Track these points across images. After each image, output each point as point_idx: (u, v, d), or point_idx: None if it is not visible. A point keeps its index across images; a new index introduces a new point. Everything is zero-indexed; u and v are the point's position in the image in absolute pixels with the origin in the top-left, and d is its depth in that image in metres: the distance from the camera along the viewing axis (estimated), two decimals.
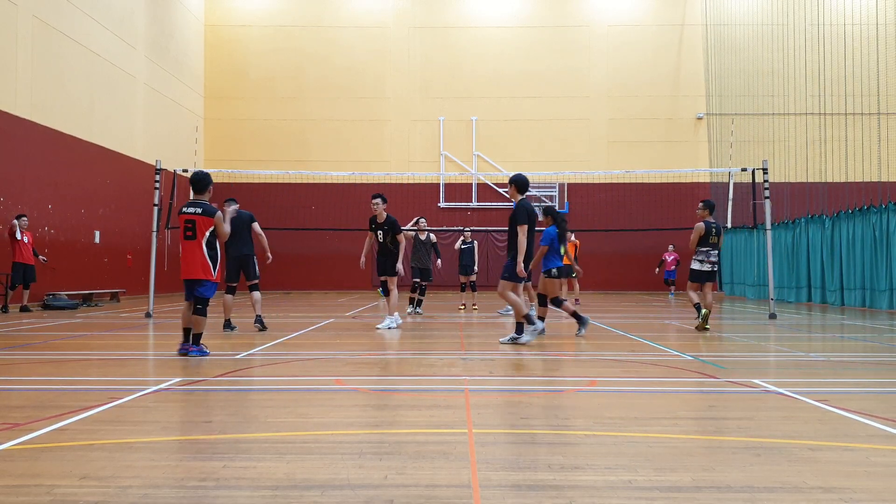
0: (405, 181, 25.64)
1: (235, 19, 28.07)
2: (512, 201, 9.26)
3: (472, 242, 16.09)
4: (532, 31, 28.06)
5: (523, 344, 8.83)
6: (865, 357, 8.27)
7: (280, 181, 25.55)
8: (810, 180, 21.56)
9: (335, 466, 3.51)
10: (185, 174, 16.90)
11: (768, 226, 14.69)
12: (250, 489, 3.18)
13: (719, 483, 3.27)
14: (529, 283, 10.42)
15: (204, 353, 7.59)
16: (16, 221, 15.30)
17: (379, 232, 11.13)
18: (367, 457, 3.70)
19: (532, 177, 27.70)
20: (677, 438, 4.13)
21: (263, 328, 10.58)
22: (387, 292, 11.51)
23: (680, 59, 27.90)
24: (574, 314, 10.02)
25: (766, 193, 14.58)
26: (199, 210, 7.58)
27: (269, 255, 10.98)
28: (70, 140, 18.43)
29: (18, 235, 15.16)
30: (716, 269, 11.20)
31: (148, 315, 13.55)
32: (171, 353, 7.66)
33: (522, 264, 8.66)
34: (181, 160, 23.41)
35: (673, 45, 27.93)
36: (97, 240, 19.58)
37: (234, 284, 10.76)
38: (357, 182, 26.36)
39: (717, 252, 11.11)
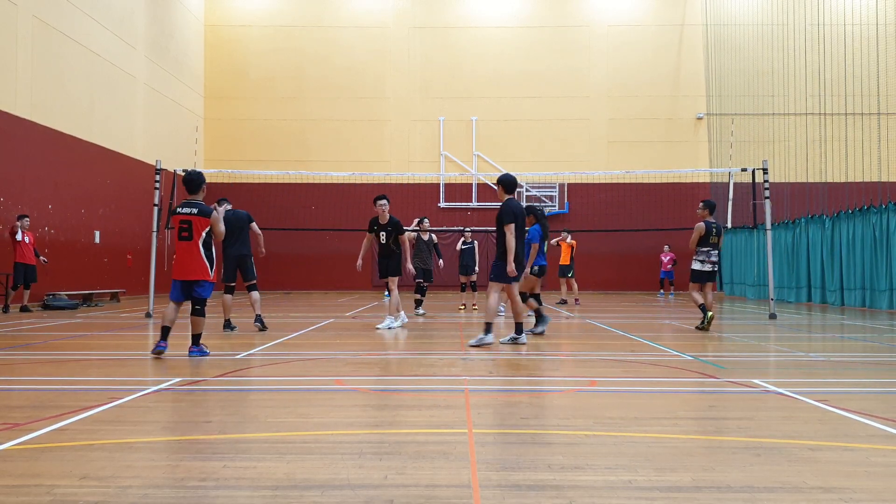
0: (405, 181, 25.63)
1: (235, 19, 28.07)
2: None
3: (472, 242, 16.10)
4: (532, 31, 28.06)
5: (523, 344, 8.82)
6: (865, 357, 8.27)
7: (280, 181, 25.54)
8: (810, 180, 21.55)
9: (335, 466, 3.51)
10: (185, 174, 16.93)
11: (768, 226, 14.69)
12: (250, 489, 3.18)
13: (719, 483, 3.27)
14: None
15: (204, 354, 7.59)
16: (18, 222, 15.30)
17: (382, 233, 11.10)
18: (367, 457, 3.70)
19: (532, 177, 27.90)
20: (677, 438, 4.13)
21: (264, 328, 10.58)
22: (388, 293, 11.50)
23: (680, 59, 27.90)
24: (536, 311, 10.34)
25: (766, 193, 14.57)
26: (194, 210, 7.54)
27: (262, 249, 10.92)
28: (70, 140, 18.43)
29: (19, 236, 15.17)
30: (716, 269, 11.20)
31: (148, 315, 13.55)
32: (171, 353, 7.65)
33: (513, 264, 8.62)
34: (181, 160, 23.41)
35: (673, 45, 27.93)
36: (97, 240, 19.58)
37: (233, 284, 10.76)
38: (357, 182, 26.36)
39: (717, 252, 11.11)
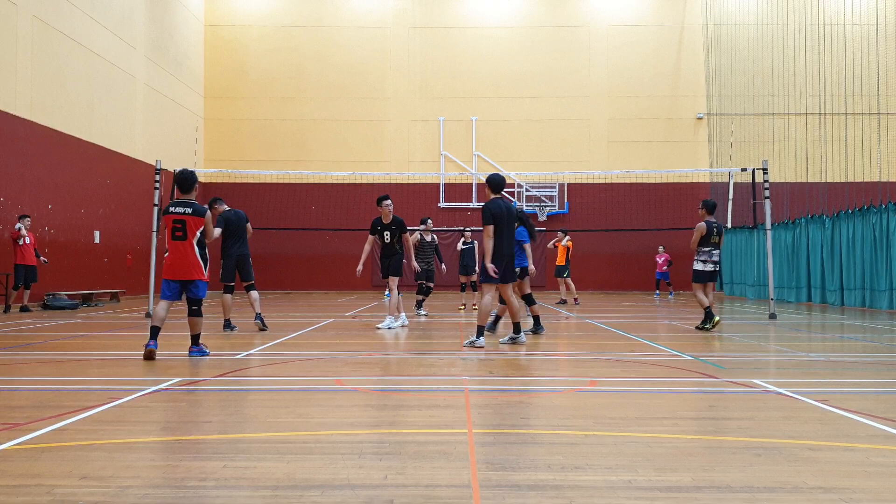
0: (405, 181, 25.64)
1: (235, 19, 28.07)
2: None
3: (472, 243, 16.10)
4: (532, 31, 28.06)
5: (522, 343, 8.81)
6: (865, 357, 8.27)
7: (280, 181, 25.56)
8: (810, 180, 21.55)
9: (335, 466, 3.51)
10: None
11: (768, 226, 14.69)
12: (250, 489, 3.18)
13: (719, 483, 3.27)
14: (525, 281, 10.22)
15: (204, 353, 7.58)
16: (21, 224, 15.28)
17: (386, 233, 11.09)
18: (367, 457, 3.70)
19: (532, 177, 27.91)
20: (677, 438, 4.13)
21: (264, 326, 10.58)
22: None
23: (680, 59, 27.90)
24: (497, 318, 10.24)
25: (766, 193, 14.57)
26: (188, 210, 7.48)
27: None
28: (70, 140, 18.43)
29: (27, 239, 15.18)
30: (718, 268, 11.19)
31: (148, 315, 13.55)
32: (171, 353, 7.66)
33: (491, 263, 8.59)
34: (181, 160, 23.40)
35: (673, 45, 27.93)
36: (97, 240, 19.58)
37: (233, 284, 10.75)
38: (357, 182, 26.37)
39: (718, 252, 11.10)
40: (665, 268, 23.76)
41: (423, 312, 14.14)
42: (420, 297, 14.53)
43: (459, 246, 16.29)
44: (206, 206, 7.99)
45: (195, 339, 7.59)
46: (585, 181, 26.16)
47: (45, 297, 16.63)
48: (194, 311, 7.57)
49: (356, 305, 17.89)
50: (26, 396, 5.55)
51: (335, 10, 28.12)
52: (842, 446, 3.94)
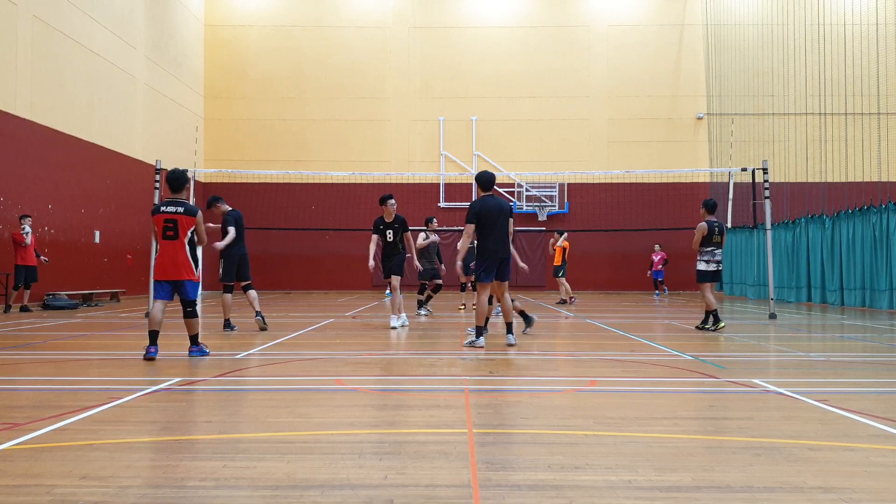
0: (405, 181, 25.64)
1: (235, 19, 28.07)
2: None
3: (472, 243, 16.08)
4: (532, 31, 28.06)
5: (512, 345, 8.56)
6: (865, 357, 8.27)
7: (280, 181, 25.56)
8: (810, 180, 21.55)
9: (335, 466, 3.51)
10: None
11: (768, 226, 14.69)
12: (250, 489, 3.18)
13: (719, 483, 3.27)
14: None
15: (204, 353, 7.57)
16: (27, 227, 15.27)
17: (389, 231, 11.09)
18: (367, 457, 3.70)
19: (532, 177, 27.89)
20: (677, 438, 4.13)
21: (265, 325, 10.58)
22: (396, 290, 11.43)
23: (680, 59, 27.91)
24: (522, 313, 10.33)
25: (766, 193, 14.57)
26: (180, 209, 7.41)
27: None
28: (70, 140, 18.43)
29: (28, 241, 15.19)
30: (721, 268, 11.18)
31: (148, 315, 13.53)
32: (171, 353, 7.66)
33: (481, 262, 8.55)
34: (181, 160, 23.41)
35: (673, 45, 27.93)
36: (97, 240, 19.58)
37: (233, 283, 10.75)
38: (357, 182, 26.38)
39: (720, 251, 11.10)
40: (660, 266, 23.73)
41: (423, 312, 14.13)
42: (421, 298, 14.52)
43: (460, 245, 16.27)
44: (197, 206, 7.92)
45: (194, 339, 7.57)
46: (585, 181, 26.17)
47: (45, 297, 16.63)
48: (188, 313, 7.52)
49: (356, 305, 17.88)
50: (26, 396, 5.55)
51: (335, 10, 28.12)
52: (842, 446, 3.94)
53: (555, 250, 19.44)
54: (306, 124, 27.84)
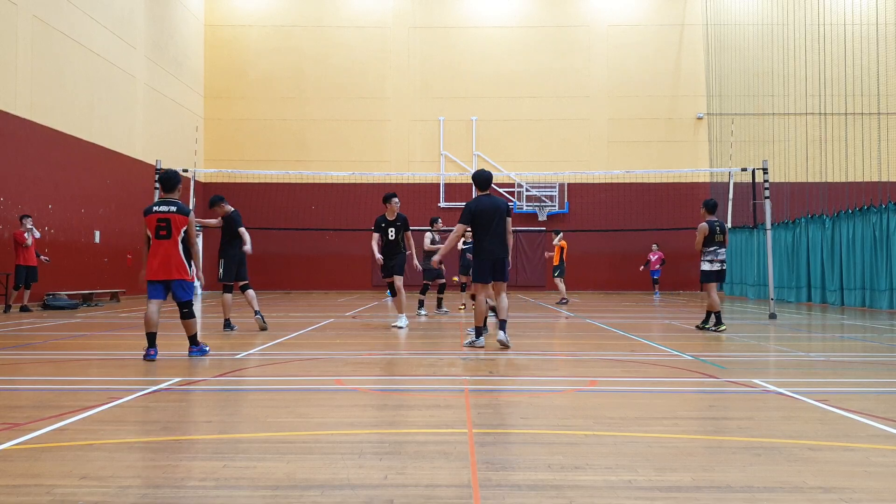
0: (405, 181, 25.64)
1: (235, 19, 28.07)
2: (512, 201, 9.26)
3: (472, 242, 16.06)
4: (532, 31, 28.06)
5: (481, 347, 8.48)
6: (865, 357, 8.27)
7: (280, 181, 25.57)
8: (810, 180, 21.56)
9: (335, 466, 3.51)
10: (185, 174, 16.92)
11: (768, 226, 14.69)
12: (250, 489, 3.18)
13: (719, 483, 3.27)
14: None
15: (204, 352, 7.56)
16: (31, 227, 15.28)
17: (391, 229, 11.07)
18: (367, 457, 3.70)
19: (532, 177, 27.89)
20: (677, 438, 4.13)
21: (265, 324, 10.58)
22: (394, 293, 11.40)
23: (680, 59, 27.91)
24: (485, 320, 10.30)
25: (766, 193, 14.57)
26: (172, 208, 7.37)
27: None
28: (70, 140, 18.43)
29: (30, 241, 15.21)
30: (724, 267, 11.14)
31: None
32: (170, 353, 7.65)
33: (476, 261, 8.54)
34: (181, 160, 23.41)
35: (673, 45, 27.93)
36: (97, 240, 19.58)
37: (232, 283, 10.75)
38: (357, 182, 26.38)
39: (724, 250, 11.08)
40: (657, 266, 23.70)
41: (423, 312, 14.12)
42: (422, 297, 14.51)
43: (460, 245, 16.26)
44: (190, 207, 7.90)
45: (192, 339, 7.54)
46: (585, 181, 26.17)
47: (45, 297, 16.63)
48: (185, 314, 7.48)
49: (356, 305, 17.88)
50: (26, 396, 5.55)
51: (335, 10, 28.12)
52: (842, 446, 3.94)
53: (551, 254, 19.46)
54: (306, 124, 27.84)
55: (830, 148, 21.01)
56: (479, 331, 8.58)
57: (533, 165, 26.43)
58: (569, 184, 27.20)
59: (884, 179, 18.10)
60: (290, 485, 3.23)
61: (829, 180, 20.66)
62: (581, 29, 28.02)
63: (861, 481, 3.31)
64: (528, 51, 27.96)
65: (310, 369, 6.93)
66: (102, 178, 19.91)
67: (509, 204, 8.90)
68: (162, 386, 5.76)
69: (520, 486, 3.22)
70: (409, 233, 11.27)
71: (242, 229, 10.52)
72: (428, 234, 14.45)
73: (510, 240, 8.68)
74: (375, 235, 11.18)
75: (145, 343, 7.32)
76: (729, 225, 16.87)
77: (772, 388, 5.76)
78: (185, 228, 7.40)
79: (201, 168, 24.60)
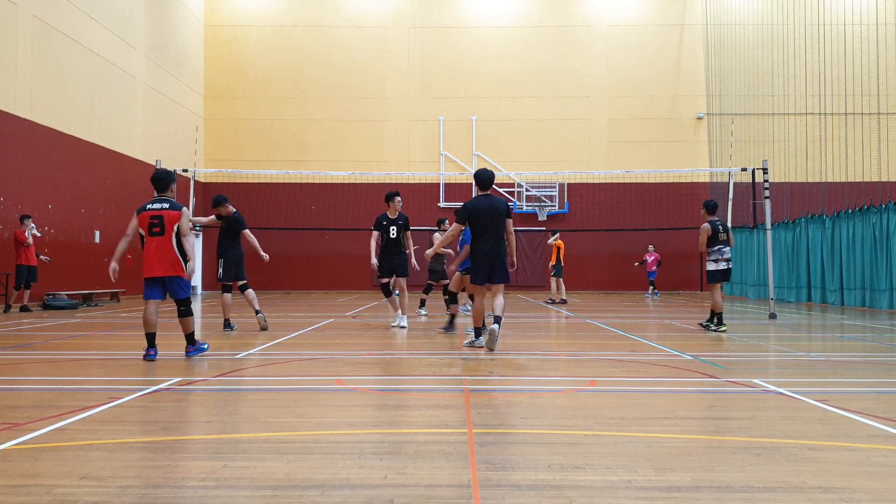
0: (405, 181, 25.64)
1: (235, 19, 28.08)
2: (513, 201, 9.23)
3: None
4: (532, 31, 28.07)
5: (480, 346, 8.46)
6: (865, 357, 8.27)
7: (280, 181, 25.57)
8: (810, 180, 21.56)
9: (335, 466, 3.51)
10: (185, 174, 16.94)
11: (768, 226, 14.69)
12: (250, 489, 3.18)
13: (719, 483, 3.27)
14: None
15: (202, 350, 7.54)
16: (31, 226, 15.31)
17: (392, 228, 11.03)
18: (367, 457, 3.70)
19: (532, 177, 27.87)
20: (677, 438, 4.13)
21: (265, 324, 10.58)
22: (388, 293, 11.38)
23: (680, 59, 27.91)
24: (452, 317, 10.55)
25: (766, 193, 14.57)
26: (165, 205, 7.38)
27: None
28: (70, 140, 18.43)
29: (31, 240, 15.23)
30: (730, 265, 11.10)
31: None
32: (170, 353, 7.65)
33: (470, 263, 8.50)
34: (181, 160, 23.41)
35: (673, 45, 27.93)
36: (97, 240, 19.58)
37: (231, 283, 10.75)
38: (357, 182, 26.38)
39: (729, 249, 11.06)
40: (654, 267, 23.69)
41: (423, 312, 14.11)
42: (424, 297, 14.48)
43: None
44: (189, 207, 7.88)
45: (189, 338, 7.48)
46: (585, 181, 26.17)
47: (45, 297, 16.63)
48: (182, 312, 7.45)
49: (356, 305, 17.88)
50: (26, 396, 5.55)
51: (335, 10, 28.13)
52: (842, 446, 3.94)
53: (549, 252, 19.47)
54: (306, 124, 27.84)
55: (830, 148, 21.01)
56: (479, 331, 8.57)
57: (533, 165, 26.43)
58: (569, 184, 27.20)
59: (884, 179, 18.10)
60: (290, 485, 3.23)
61: (829, 180, 20.66)
62: (581, 29, 28.02)
63: (861, 481, 3.31)
64: (528, 51, 27.96)
65: (310, 369, 6.93)
66: (102, 178, 19.91)
67: (509, 204, 8.76)
68: (162, 386, 5.76)
69: (520, 486, 3.22)
70: (409, 232, 11.26)
71: (253, 238, 10.64)
72: (436, 236, 14.38)
73: (512, 241, 8.50)
74: (375, 234, 11.13)
75: (145, 343, 7.32)
76: (729, 225, 16.89)
77: (772, 388, 5.76)
78: (178, 224, 7.36)
79: (201, 168, 24.59)
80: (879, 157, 18.34)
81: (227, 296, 10.75)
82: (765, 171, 14.54)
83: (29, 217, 15.48)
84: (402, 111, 27.99)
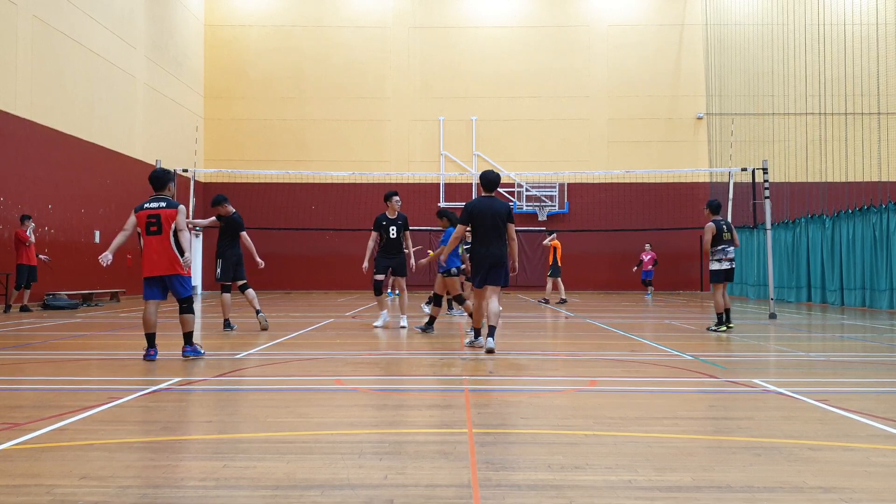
0: (405, 181, 25.63)
1: (235, 19, 28.08)
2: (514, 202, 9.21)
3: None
4: (532, 31, 28.07)
5: (481, 346, 8.41)
6: (865, 357, 8.27)
7: (280, 181, 25.57)
8: (810, 180, 21.56)
9: (335, 466, 3.51)
10: (185, 174, 16.94)
11: (768, 226, 14.69)
12: (250, 489, 3.18)
13: (719, 483, 3.27)
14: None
15: (199, 353, 7.42)
16: (31, 225, 15.33)
17: (392, 228, 11.01)
18: (367, 457, 3.70)
19: (532, 177, 27.88)
20: (677, 438, 4.13)
21: (266, 324, 10.57)
22: (379, 292, 11.30)
23: (680, 59, 27.91)
24: (432, 318, 10.47)
25: (766, 193, 14.57)
26: (162, 204, 7.36)
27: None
28: (70, 140, 18.43)
29: (33, 238, 15.26)
30: (734, 265, 11.08)
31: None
32: (170, 353, 7.64)
33: (442, 257, 8.53)
34: (181, 160, 23.40)
35: (673, 45, 27.93)
36: (97, 240, 19.58)
37: (230, 283, 10.74)
38: (357, 182, 26.38)
39: (733, 249, 11.05)
40: (650, 266, 23.66)
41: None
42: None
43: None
44: (179, 202, 7.83)
45: (188, 337, 7.39)
46: (585, 181, 26.18)
47: (45, 297, 16.63)
48: (184, 310, 7.41)
49: (356, 305, 17.88)
50: (26, 396, 5.55)
51: (335, 10, 28.13)
52: (842, 446, 3.94)
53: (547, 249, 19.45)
54: (306, 124, 27.84)
55: (830, 148, 21.01)
56: (478, 331, 8.57)
57: (533, 165, 26.42)
58: (569, 184, 27.20)
59: (884, 179, 18.10)
60: (290, 485, 3.23)
61: (829, 180, 20.66)
62: (581, 29, 28.02)
63: (861, 481, 3.31)
64: (528, 51, 27.96)
65: (310, 369, 6.93)
66: (102, 178, 19.91)
67: (510, 206, 8.65)
68: (162, 386, 5.76)
69: (520, 486, 3.22)
70: (409, 232, 11.25)
71: (249, 241, 10.62)
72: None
73: (514, 246, 8.32)
74: (374, 235, 11.07)
75: (145, 343, 7.31)
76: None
77: (772, 388, 5.76)
78: (175, 222, 7.32)
79: (201, 168, 24.59)
80: (879, 157, 18.34)
81: (227, 296, 10.75)
82: (765, 171, 14.54)
83: (29, 217, 15.49)
84: (402, 111, 27.99)
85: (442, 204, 27.10)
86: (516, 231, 8.52)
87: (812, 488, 3.20)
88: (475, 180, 27.15)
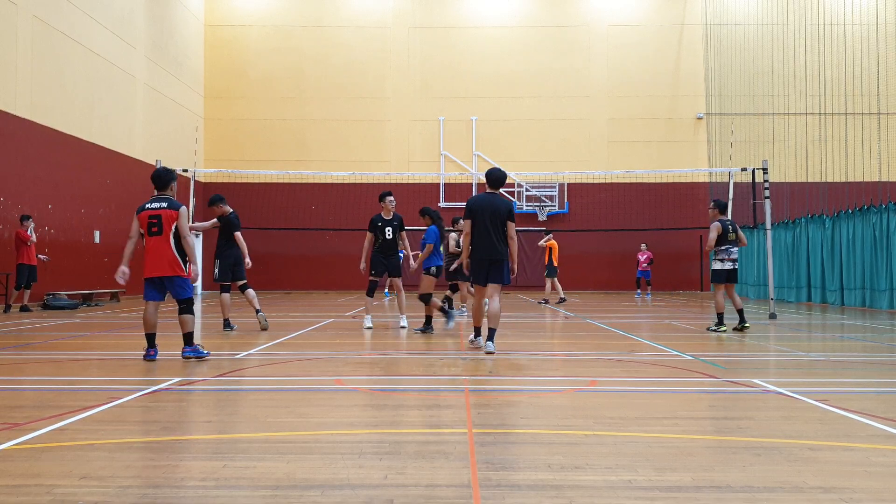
0: (405, 181, 25.63)
1: (235, 19, 28.08)
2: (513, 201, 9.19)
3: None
4: (532, 31, 28.07)
5: (480, 346, 8.39)
6: (865, 357, 8.27)
7: (280, 181, 25.57)
8: (810, 180, 21.56)
9: (335, 466, 3.51)
10: (185, 174, 16.94)
11: (768, 226, 14.69)
12: (250, 489, 3.18)
13: (719, 483, 3.27)
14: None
15: (200, 354, 7.36)
16: (31, 225, 15.35)
17: (387, 228, 10.98)
18: (367, 457, 3.70)
19: (532, 177, 27.88)
20: (677, 438, 4.13)
21: (266, 323, 10.56)
22: (371, 293, 11.24)
23: (680, 59, 27.91)
24: (441, 309, 10.59)
25: (766, 193, 14.57)
26: (164, 205, 7.32)
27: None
28: (70, 140, 18.43)
29: (34, 238, 15.28)
30: (736, 266, 11.04)
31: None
32: (170, 353, 7.64)
33: (467, 260, 8.29)
34: (181, 160, 23.41)
35: (673, 45, 27.93)
36: (97, 240, 19.58)
37: (229, 283, 10.74)
38: (357, 182, 26.38)
39: (736, 249, 11.03)
40: (646, 266, 23.65)
41: (464, 311, 13.96)
42: (450, 295, 14.41)
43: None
44: (189, 206, 7.82)
45: (187, 338, 7.32)
46: (585, 181, 26.18)
47: (45, 297, 16.63)
48: (184, 310, 7.37)
49: (356, 305, 17.88)
50: (26, 396, 5.55)
51: (335, 10, 28.13)
52: (842, 446, 3.94)
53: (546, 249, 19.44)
54: (306, 124, 27.85)
55: (830, 148, 21.01)
56: (478, 331, 8.57)
57: (533, 165, 26.42)
58: (569, 184, 27.20)
59: (884, 179, 18.10)
60: (290, 485, 3.23)
61: (829, 180, 20.65)
62: (581, 29, 28.02)
63: (861, 481, 3.31)
64: (528, 51, 27.96)
65: (310, 369, 6.93)
66: (102, 178, 19.91)
67: (512, 205, 8.54)
68: (162, 386, 5.76)
69: (520, 486, 3.22)
70: (404, 232, 11.24)
71: (242, 242, 10.57)
72: (453, 236, 14.23)
73: (514, 245, 8.19)
74: (369, 236, 11.01)
75: (145, 343, 7.31)
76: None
77: (772, 388, 5.76)
78: (176, 223, 7.29)
79: (201, 168, 24.59)
80: (879, 157, 18.34)
81: (226, 296, 10.75)
82: (765, 171, 14.54)
83: (29, 217, 15.49)
84: (402, 111, 27.99)
85: (442, 204, 27.11)
86: (517, 231, 8.48)
87: (812, 488, 3.20)
88: (475, 180, 27.17)
